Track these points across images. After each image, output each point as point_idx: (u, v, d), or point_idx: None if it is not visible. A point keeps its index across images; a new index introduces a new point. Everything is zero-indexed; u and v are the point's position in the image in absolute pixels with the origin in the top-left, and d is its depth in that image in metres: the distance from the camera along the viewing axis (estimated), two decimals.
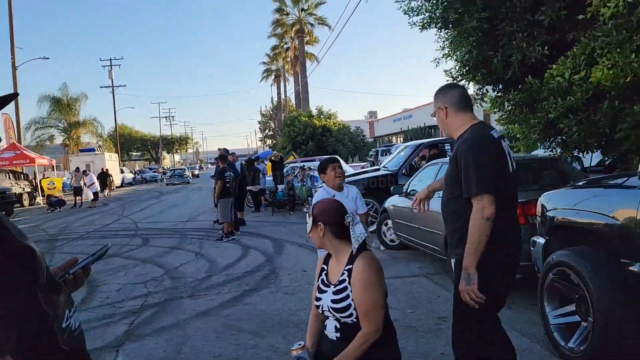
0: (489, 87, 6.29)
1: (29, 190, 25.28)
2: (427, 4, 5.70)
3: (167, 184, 38.53)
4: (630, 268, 3.10)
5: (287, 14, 34.17)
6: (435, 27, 5.90)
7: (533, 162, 6.20)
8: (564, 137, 6.13)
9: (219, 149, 10.87)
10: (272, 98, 57.78)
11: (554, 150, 6.59)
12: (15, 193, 23.66)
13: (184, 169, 46.10)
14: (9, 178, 24.84)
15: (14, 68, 30.70)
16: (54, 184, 21.46)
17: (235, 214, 10.58)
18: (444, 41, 6.16)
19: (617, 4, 4.23)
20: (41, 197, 24.99)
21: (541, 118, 5.82)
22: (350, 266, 2.18)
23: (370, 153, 29.65)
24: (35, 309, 1.07)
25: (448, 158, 5.05)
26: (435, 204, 6.15)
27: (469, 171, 2.45)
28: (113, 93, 51.76)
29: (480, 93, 6.34)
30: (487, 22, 5.62)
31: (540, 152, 7.37)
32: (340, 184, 4.09)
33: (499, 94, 6.28)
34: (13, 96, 1.35)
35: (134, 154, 79.04)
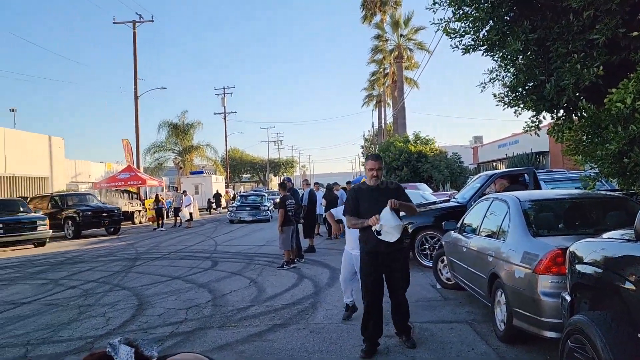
0: (546, 114, 5.58)
1: (140, 209, 27.46)
2: (468, 25, 5.23)
3: (230, 220, 23.69)
4: None
5: (386, 40, 34.12)
6: (479, 50, 5.39)
7: (593, 202, 5.36)
8: None
9: (282, 179, 10.94)
10: (372, 123, 57.94)
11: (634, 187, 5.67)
12: (127, 211, 25.86)
13: (263, 195, 27.39)
14: (123, 197, 27.23)
15: (136, 98, 33.86)
16: (152, 205, 23.01)
17: (299, 242, 10.49)
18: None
19: None
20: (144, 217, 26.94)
21: (608, 150, 5.04)
22: None
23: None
24: None
25: (510, 193, 5.09)
26: (481, 243, 5.61)
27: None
28: (225, 119, 55.21)
29: (537, 120, 5.65)
30: (537, 44, 5.02)
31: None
32: None
33: (558, 122, 5.55)
34: None
35: (244, 176, 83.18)
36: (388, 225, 4.43)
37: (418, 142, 30.41)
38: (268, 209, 24.14)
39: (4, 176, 26.51)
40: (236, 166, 77.02)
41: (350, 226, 5.00)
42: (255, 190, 43.62)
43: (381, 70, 38.28)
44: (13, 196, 24.06)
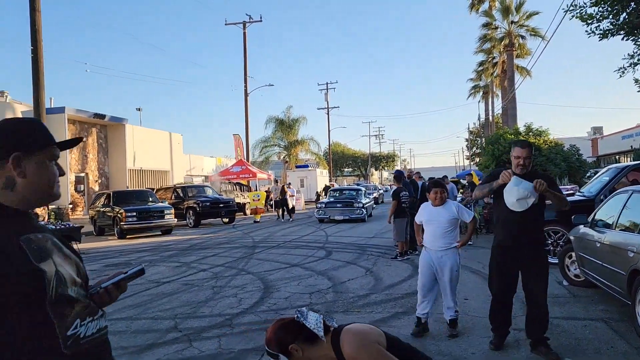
0: None
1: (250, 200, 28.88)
2: (605, 9, 4.96)
3: (319, 219, 20.36)
4: None
5: (496, 28, 32.65)
6: (619, 34, 5.09)
7: None
8: None
9: (395, 171, 11.01)
10: (478, 115, 55.94)
11: None
12: (239, 203, 27.33)
13: (359, 189, 22.74)
14: (236, 190, 28.82)
15: (246, 94, 35.59)
16: (258, 196, 23.94)
17: (412, 234, 10.52)
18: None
19: None
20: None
21: None
22: None
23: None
24: (36, 318, 1.35)
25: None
26: (618, 238, 5.32)
27: None
28: (328, 114, 56.23)
29: None
30: None
31: None
32: (439, 204, 5.26)
33: None
34: (77, 140, 1.72)
35: (346, 170, 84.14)
36: (518, 195, 4.12)
37: (530, 133, 28.87)
38: (363, 207, 20.33)
39: (133, 169, 29.23)
40: (338, 160, 78.14)
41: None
42: (358, 184, 43.61)
43: (489, 59, 36.74)
44: (140, 187, 26.47)
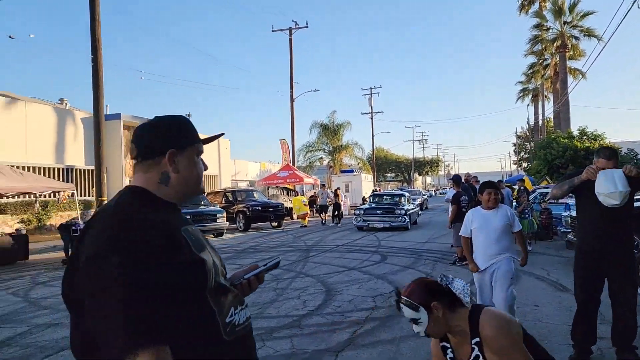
0: None
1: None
2: None
3: (357, 226, 18.78)
4: None
5: (548, 29, 31.77)
6: None
7: None
8: None
9: (453, 175, 10.86)
10: (527, 119, 54.53)
11: None
12: (285, 207, 27.54)
13: (402, 194, 20.82)
14: (283, 194, 29.09)
15: (292, 100, 35.98)
16: (305, 201, 24.04)
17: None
18: None
19: None
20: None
21: None
22: (478, 339, 2.05)
23: None
24: (201, 306, 1.40)
25: None
26: None
27: None
28: (372, 119, 56.17)
29: None
30: None
31: None
32: (492, 206, 4.88)
33: None
34: (219, 135, 1.81)
35: (389, 175, 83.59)
36: (609, 190, 3.80)
37: (584, 137, 27.95)
38: (406, 214, 18.26)
39: None
40: (381, 165, 77.76)
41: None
42: (401, 189, 43.00)
43: (540, 61, 35.78)
44: None
